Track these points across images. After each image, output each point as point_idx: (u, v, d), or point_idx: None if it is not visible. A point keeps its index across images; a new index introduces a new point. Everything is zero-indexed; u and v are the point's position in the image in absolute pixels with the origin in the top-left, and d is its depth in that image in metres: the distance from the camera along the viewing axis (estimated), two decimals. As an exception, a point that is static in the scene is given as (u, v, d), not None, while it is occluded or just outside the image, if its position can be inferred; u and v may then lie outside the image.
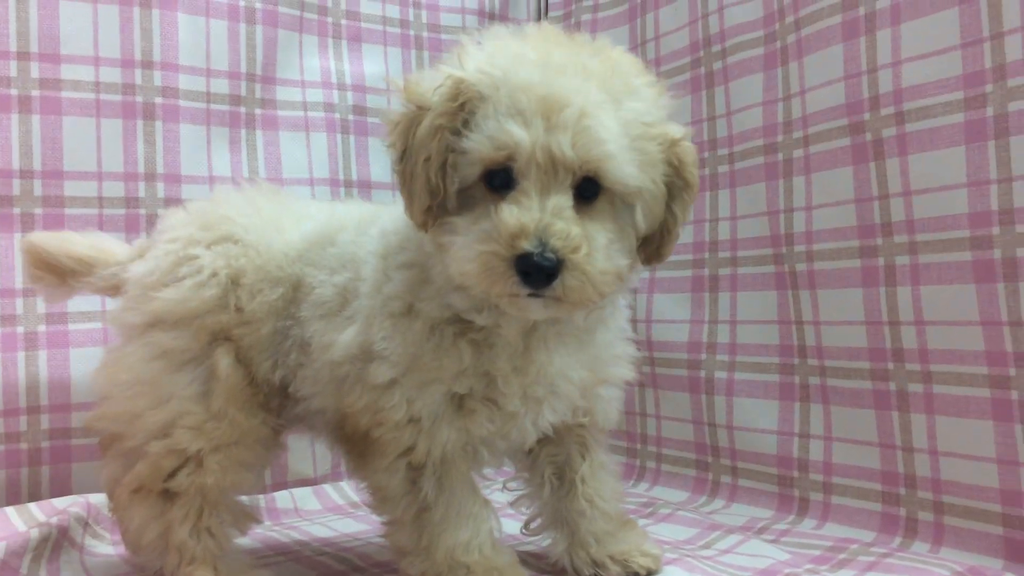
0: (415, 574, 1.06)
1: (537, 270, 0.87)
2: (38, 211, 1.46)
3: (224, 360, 1.06)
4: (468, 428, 1.02)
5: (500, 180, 0.92)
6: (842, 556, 1.20)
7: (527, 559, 1.22)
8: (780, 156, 1.47)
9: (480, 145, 0.90)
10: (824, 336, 1.40)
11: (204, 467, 1.05)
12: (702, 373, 1.60)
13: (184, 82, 1.57)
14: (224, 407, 1.05)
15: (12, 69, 1.45)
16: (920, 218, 1.24)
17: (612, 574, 1.14)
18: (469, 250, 0.90)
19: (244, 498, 1.15)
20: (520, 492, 1.22)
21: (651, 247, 1.00)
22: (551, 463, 1.17)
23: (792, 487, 1.45)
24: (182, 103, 1.57)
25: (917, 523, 1.27)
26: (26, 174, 1.46)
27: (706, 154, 1.62)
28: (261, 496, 1.56)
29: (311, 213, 1.16)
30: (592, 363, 1.08)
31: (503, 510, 1.28)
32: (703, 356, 1.60)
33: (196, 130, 1.58)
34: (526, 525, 1.22)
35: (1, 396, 1.42)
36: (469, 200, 0.94)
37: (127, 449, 1.08)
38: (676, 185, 0.96)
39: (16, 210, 1.45)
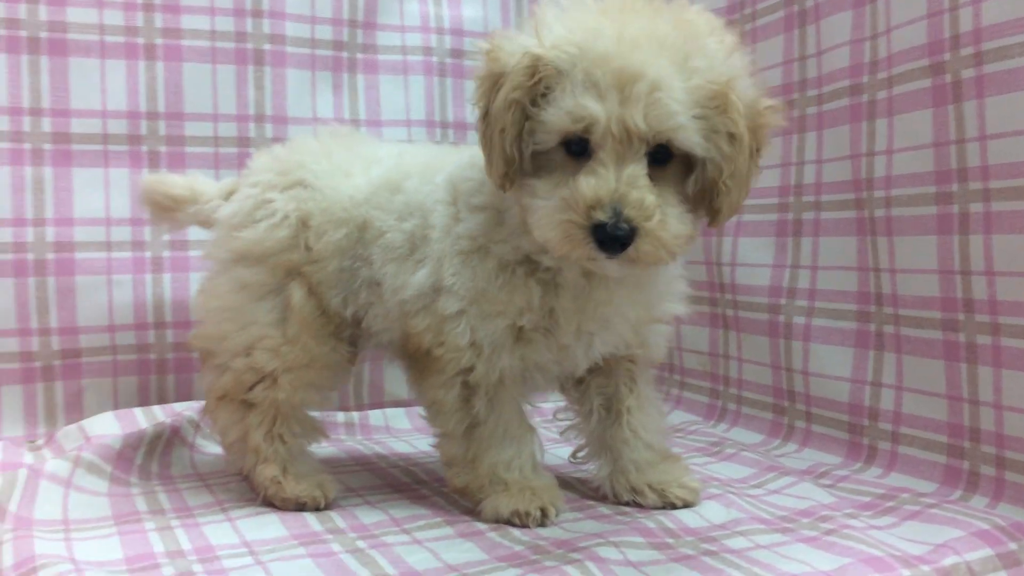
0: (459, 484, 1.16)
1: (612, 239, 0.93)
2: (162, 149, 1.63)
3: (297, 293, 1.17)
4: (526, 355, 1.10)
5: (578, 147, 0.98)
6: (889, 504, 1.20)
7: (575, 483, 1.29)
8: (865, 97, 1.42)
9: (558, 118, 0.96)
10: (899, 284, 1.37)
11: (278, 384, 1.17)
12: (781, 318, 1.60)
13: (291, 29, 1.69)
14: (297, 333, 1.17)
15: (139, 20, 1.61)
16: (995, 164, 1.18)
17: (648, 501, 1.19)
18: (550, 218, 0.97)
19: (318, 414, 1.28)
20: (569, 422, 1.28)
21: (712, 206, 1.01)
22: (600, 394, 1.23)
23: (862, 435, 1.43)
24: (289, 49, 1.69)
25: (979, 477, 1.24)
26: (152, 115, 1.62)
27: (795, 95, 1.59)
28: (356, 413, 1.70)
29: (380, 157, 1.25)
30: (648, 302, 1.14)
31: (557, 442, 1.36)
32: (783, 301, 1.60)
33: (301, 74, 1.70)
34: (574, 454, 1.29)
35: (132, 312, 1.61)
36: (548, 163, 1.00)
37: (217, 364, 1.22)
38: (732, 139, 0.97)
39: (144, 148, 1.62)
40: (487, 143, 1.01)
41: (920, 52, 1.29)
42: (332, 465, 1.42)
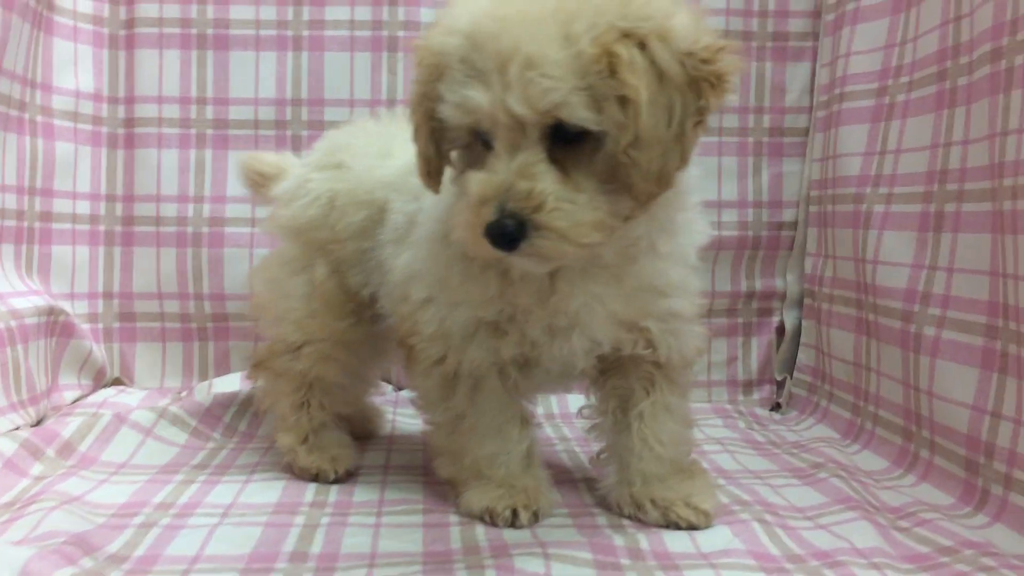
0: (444, 475, 1.14)
1: (499, 237, 0.87)
2: (304, 133, 1.76)
3: (321, 269, 1.22)
4: (498, 349, 1.05)
5: (484, 139, 0.92)
6: (942, 559, 0.99)
7: (590, 486, 1.21)
8: (1003, 64, 1.16)
9: (450, 113, 0.91)
10: (1021, 296, 1.11)
11: (300, 355, 1.23)
12: (912, 327, 1.36)
13: (426, 15, 1.74)
14: (317, 308, 1.22)
15: (289, 13, 1.75)
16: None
17: (650, 518, 1.08)
18: (459, 219, 0.93)
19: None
20: (593, 421, 1.20)
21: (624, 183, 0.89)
22: (615, 395, 1.14)
23: (977, 475, 1.18)
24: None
25: (1084, 544, 0.98)
26: (296, 102, 1.76)
27: (949, 64, 1.33)
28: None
29: None
30: (632, 296, 1.03)
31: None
32: (916, 307, 1.35)
33: (432, 59, 1.74)
34: (597, 455, 1.20)
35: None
36: (477, 159, 0.94)
37: (260, 332, 1.31)
38: (624, 103, 0.85)
39: (288, 132, 1.76)
40: (414, 141, 0.98)
41: (1047, 6, 1.03)
42: (402, 441, 1.46)
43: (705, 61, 0.86)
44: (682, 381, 1.13)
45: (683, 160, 0.88)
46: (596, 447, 1.19)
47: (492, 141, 0.89)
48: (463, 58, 0.88)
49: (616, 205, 0.89)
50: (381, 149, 1.25)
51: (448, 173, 0.99)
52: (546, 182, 0.86)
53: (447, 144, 0.96)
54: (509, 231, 0.86)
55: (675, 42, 0.86)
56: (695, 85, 0.86)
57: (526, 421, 1.13)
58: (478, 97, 0.86)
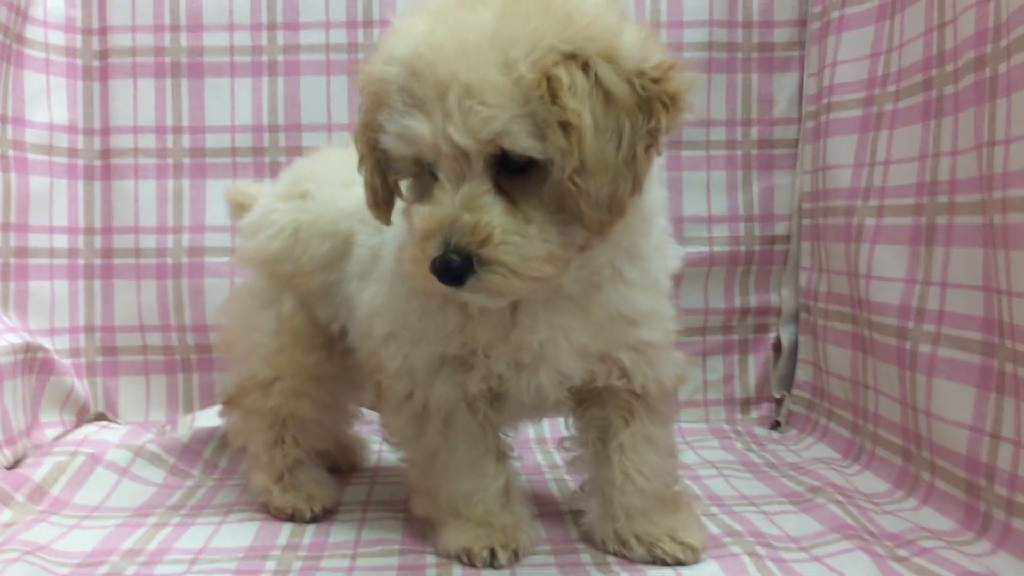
0: (421, 514, 1.10)
1: (445, 273, 0.84)
2: (282, 160, 1.72)
3: (288, 303, 1.19)
4: (464, 384, 1.01)
5: (431, 170, 0.89)
6: (944, 594, 0.94)
7: (576, 519, 1.16)
8: (988, 72, 1.12)
9: (392, 144, 0.87)
10: (1016, 312, 1.06)
11: (271, 392, 1.19)
12: (908, 345, 1.31)
13: (402, 36, 1.70)
14: (286, 343, 1.18)
15: (264, 39, 1.72)
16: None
17: (635, 554, 1.04)
18: (406, 254, 0.90)
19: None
20: (575, 453, 1.15)
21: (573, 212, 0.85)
22: (595, 426, 1.09)
23: (979, 498, 1.14)
24: (398, 57, 1.70)
25: (1090, 574, 0.93)
26: (273, 128, 1.73)
27: (934, 72, 1.29)
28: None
29: None
30: (600, 326, 0.99)
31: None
32: (910, 324, 1.31)
33: (410, 80, 1.71)
34: (581, 488, 1.16)
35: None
36: (428, 187, 0.91)
37: (229, 368, 1.27)
38: (567, 128, 0.81)
39: (266, 159, 1.73)
40: (359, 172, 0.95)
41: (1030, 11, 0.99)
42: (386, 473, 1.42)
43: (656, 80, 0.83)
44: (663, 410, 1.09)
45: (636, 185, 0.84)
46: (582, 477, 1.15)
47: (437, 171, 0.86)
48: (402, 87, 0.84)
49: (569, 236, 0.86)
50: (347, 178, 1.21)
51: (400, 204, 0.96)
52: (492, 214, 0.83)
53: (394, 174, 0.93)
54: (455, 267, 0.82)
55: (622, 62, 0.82)
56: (646, 106, 0.82)
57: (503, 455, 1.08)
58: (419, 127, 0.83)
